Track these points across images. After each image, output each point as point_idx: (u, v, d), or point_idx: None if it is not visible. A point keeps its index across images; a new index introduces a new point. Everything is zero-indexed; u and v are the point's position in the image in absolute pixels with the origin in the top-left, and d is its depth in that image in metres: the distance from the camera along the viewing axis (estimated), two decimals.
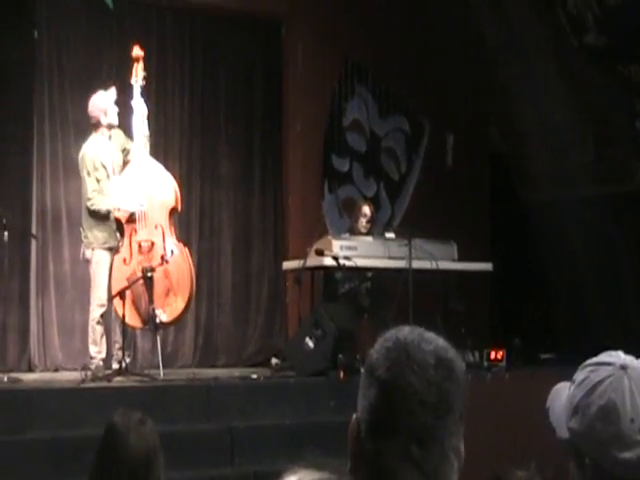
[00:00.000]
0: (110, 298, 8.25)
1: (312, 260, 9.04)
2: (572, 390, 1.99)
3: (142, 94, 8.69)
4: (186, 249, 8.79)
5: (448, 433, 1.56)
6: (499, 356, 9.12)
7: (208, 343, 10.62)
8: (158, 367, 8.33)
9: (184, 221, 10.34)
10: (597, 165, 11.14)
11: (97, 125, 8.48)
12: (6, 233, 8.17)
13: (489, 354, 9.13)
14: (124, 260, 8.40)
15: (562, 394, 2.03)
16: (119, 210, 8.39)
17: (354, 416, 1.61)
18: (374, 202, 10.86)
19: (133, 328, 8.62)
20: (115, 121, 8.52)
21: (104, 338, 8.37)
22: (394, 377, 1.56)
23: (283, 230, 11.23)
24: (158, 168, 8.78)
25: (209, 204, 10.86)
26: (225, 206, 10.95)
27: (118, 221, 8.46)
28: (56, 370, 9.61)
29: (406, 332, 1.61)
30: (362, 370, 1.65)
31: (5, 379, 7.91)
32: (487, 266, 9.94)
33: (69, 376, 8.79)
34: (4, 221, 8.23)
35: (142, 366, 9.28)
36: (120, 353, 8.22)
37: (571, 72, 11.11)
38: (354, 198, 11.20)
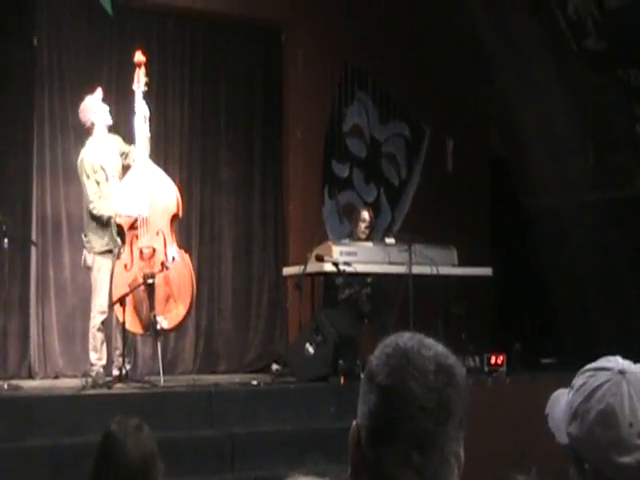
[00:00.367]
0: (111, 305, 8.25)
1: (312, 266, 9.04)
2: (571, 395, 1.99)
3: (143, 99, 8.70)
4: (187, 255, 8.79)
5: (448, 439, 1.56)
6: (499, 361, 9.12)
7: (208, 349, 10.61)
8: (159, 373, 8.33)
9: (184, 227, 10.34)
10: (597, 170, 11.14)
11: (92, 127, 8.49)
12: (6, 240, 8.17)
13: (489, 359, 9.12)
14: (125, 266, 8.40)
15: (561, 400, 2.03)
16: (121, 216, 8.39)
17: (354, 422, 1.61)
18: (374, 207, 10.86)
19: (134, 334, 8.62)
20: (109, 119, 8.53)
21: (104, 345, 8.37)
22: (394, 383, 1.56)
23: (283, 236, 11.23)
24: (160, 174, 8.79)
25: (209, 210, 10.87)
26: (225, 212, 10.96)
27: (119, 227, 8.46)
28: (56, 377, 9.61)
29: (406, 338, 1.61)
30: (362, 376, 1.65)
31: (5, 386, 7.89)
32: (487, 271, 9.93)
33: (69, 383, 8.78)
34: (4, 228, 8.22)
35: (142, 373, 9.28)
36: (120, 360, 8.21)
37: (571, 77, 11.12)
38: (354, 204, 11.21)
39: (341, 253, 9.09)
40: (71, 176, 9.50)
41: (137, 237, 8.46)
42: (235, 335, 10.80)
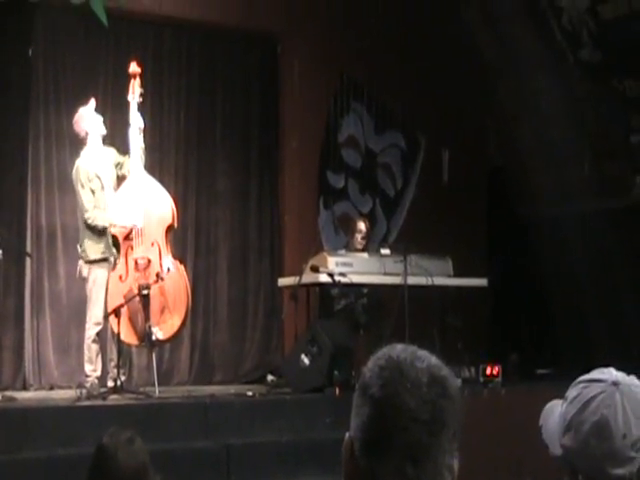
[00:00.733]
0: (106, 316, 8.24)
1: (308, 276, 9.04)
2: (565, 407, 1.99)
3: (138, 110, 8.71)
4: (182, 266, 8.78)
5: (442, 451, 1.56)
6: (495, 372, 9.11)
7: (204, 360, 10.60)
8: (154, 385, 8.31)
9: (180, 238, 10.33)
10: (594, 179, 11.17)
11: (86, 137, 8.50)
12: (0, 251, 8.16)
13: (485, 369, 9.11)
14: (120, 277, 8.39)
15: (555, 411, 2.03)
16: (115, 226, 8.39)
17: (347, 434, 1.61)
18: (370, 218, 10.86)
19: (129, 345, 8.60)
20: (103, 129, 8.54)
21: (99, 356, 8.35)
22: (387, 396, 1.55)
23: (279, 246, 11.23)
24: (155, 184, 8.79)
25: (205, 221, 10.86)
26: (221, 222, 10.95)
27: (114, 238, 8.45)
28: (51, 388, 9.57)
29: (399, 350, 1.61)
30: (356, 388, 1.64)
31: (0, 397, 7.88)
32: (482, 282, 9.93)
33: (64, 394, 8.75)
34: None
35: (138, 384, 9.26)
36: (115, 371, 8.20)
37: (567, 87, 11.15)
38: (350, 214, 11.21)
39: (336, 264, 9.09)
40: (66, 188, 9.50)
41: (132, 248, 8.45)
42: (231, 346, 10.78)
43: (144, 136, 8.80)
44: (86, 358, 8.34)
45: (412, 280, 9.02)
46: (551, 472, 2.16)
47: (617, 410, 1.91)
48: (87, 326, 8.38)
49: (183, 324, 8.68)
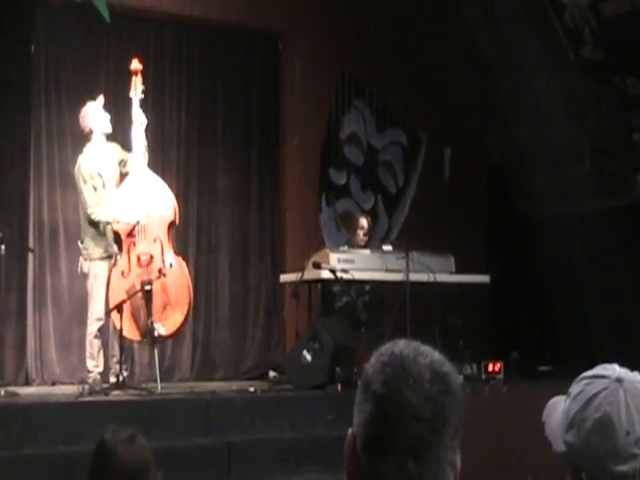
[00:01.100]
0: (108, 312, 8.24)
1: (309, 273, 9.04)
2: (568, 404, 1.99)
3: (140, 106, 8.70)
4: (184, 262, 8.79)
5: (444, 447, 1.56)
6: (497, 368, 9.11)
7: (206, 357, 10.60)
8: (156, 381, 8.32)
9: (182, 235, 10.33)
10: (594, 178, 11.16)
11: (90, 134, 8.50)
12: (3, 247, 8.17)
13: (487, 366, 9.12)
14: (122, 273, 8.39)
15: (558, 408, 2.03)
16: (118, 222, 8.39)
17: (349, 431, 1.61)
18: (371, 215, 10.85)
19: (131, 341, 8.61)
20: (108, 128, 8.53)
21: (102, 352, 8.36)
22: (390, 392, 1.55)
23: (281, 244, 11.23)
24: (157, 181, 8.80)
25: (206, 218, 10.86)
26: (222, 220, 10.95)
27: (116, 234, 8.46)
28: (53, 384, 9.59)
29: (402, 346, 1.61)
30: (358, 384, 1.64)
31: (2, 393, 7.89)
32: (484, 278, 9.93)
33: (66, 390, 8.76)
34: (1, 235, 8.22)
35: (140, 380, 9.27)
36: (118, 367, 8.21)
37: (568, 85, 11.14)
38: (352, 211, 11.20)
39: (338, 260, 9.09)
40: (68, 184, 9.50)
41: (134, 244, 8.45)
42: (232, 343, 10.78)
43: (146, 134, 8.80)
44: (88, 354, 8.35)
45: (414, 277, 9.02)
46: (553, 469, 2.16)
47: (620, 407, 1.91)
48: (89, 322, 8.39)
49: (185, 320, 8.69)
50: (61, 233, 9.85)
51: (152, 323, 8.27)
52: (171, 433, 7.21)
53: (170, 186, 9.17)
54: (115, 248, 8.45)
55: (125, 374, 8.23)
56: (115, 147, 8.64)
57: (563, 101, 11.19)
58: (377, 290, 9.68)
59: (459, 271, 9.76)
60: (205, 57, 10.94)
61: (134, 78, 8.75)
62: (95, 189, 8.36)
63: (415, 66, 11.49)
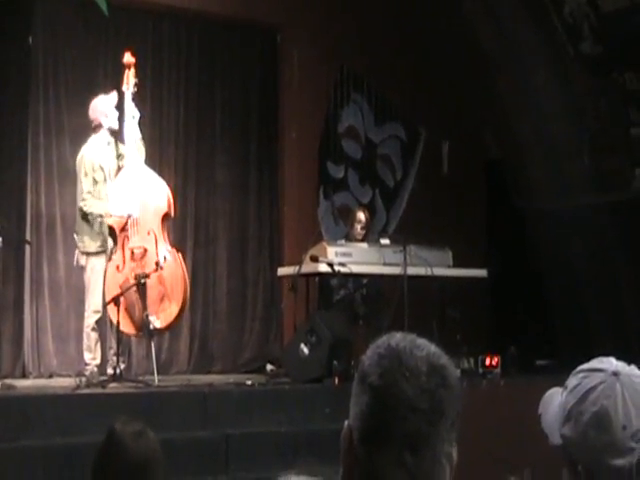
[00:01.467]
0: (104, 305, 8.24)
1: (307, 266, 9.03)
2: (564, 397, 1.99)
3: (133, 100, 8.68)
4: (179, 255, 8.77)
5: (440, 439, 1.56)
6: (494, 363, 9.11)
7: (203, 350, 10.61)
8: (153, 373, 8.31)
9: (179, 229, 10.34)
10: (593, 173, 11.15)
11: (97, 128, 8.49)
12: (0, 239, 8.16)
13: (484, 360, 9.12)
14: (117, 267, 8.38)
15: (554, 400, 2.03)
16: (111, 216, 8.37)
17: (346, 423, 1.61)
18: (369, 209, 10.85)
19: (127, 335, 8.61)
20: (115, 125, 8.53)
21: (99, 344, 8.36)
22: (386, 384, 1.55)
23: (279, 237, 11.23)
24: (151, 174, 8.77)
25: (205, 212, 10.86)
26: (220, 214, 10.95)
27: (111, 229, 8.44)
28: (50, 376, 9.59)
29: (398, 339, 1.61)
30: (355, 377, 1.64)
31: None
32: (482, 273, 9.93)
33: (63, 382, 8.77)
34: None
35: (137, 373, 9.27)
36: (115, 359, 8.21)
37: (567, 80, 11.13)
38: (349, 205, 11.20)
39: (336, 254, 9.08)
40: (66, 176, 9.51)
41: (128, 238, 8.43)
42: (230, 336, 10.79)
43: (143, 127, 8.79)
44: (85, 346, 8.35)
45: (411, 270, 9.02)
46: (550, 463, 2.16)
47: (617, 401, 1.91)
48: (86, 314, 8.40)
49: (181, 312, 8.67)
50: (58, 225, 9.84)
51: (147, 316, 8.27)
52: (168, 426, 7.20)
53: (168, 180, 9.16)
54: (110, 244, 8.45)
55: (122, 367, 8.24)
56: (114, 141, 8.63)
57: (562, 96, 11.18)
58: (375, 284, 9.68)
59: (457, 265, 9.76)
60: (203, 50, 10.93)
61: (127, 71, 8.73)
62: (96, 182, 8.35)
63: (414, 60, 11.49)
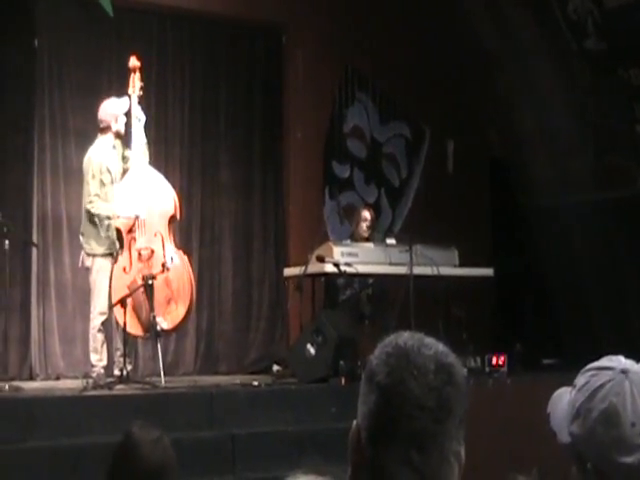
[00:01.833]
0: (111, 306, 8.24)
1: (313, 267, 9.03)
2: (573, 395, 1.98)
3: (139, 104, 8.70)
4: (185, 257, 8.78)
5: (448, 438, 1.56)
6: (500, 361, 9.11)
7: (209, 350, 10.61)
8: (159, 375, 8.32)
9: (185, 229, 10.34)
10: (597, 170, 11.14)
11: (105, 130, 8.49)
12: (7, 241, 8.17)
13: (490, 359, 9.11)
14: (124, 269, 8.38)
15: (563, 399, 2.02)
16: (118, 217, 8.37)
17: (354, 422, 1.61)
18: (375, 208, 10.85)
19: (134, 336, 8.61)
20: (122, 130, 8.54)
21: (105, 346, 8.36)
22: (394, 383, 1.55)
23: (284, 237, 11.23)
24: (157, 176, 8.79)
25: (210, 212, 10.86)
26: (226, 214, 10.95)
27: (118, 231, 8.45)
28: (57, 378, 9.60)
29: (406, 338, 1.61)
30: (362, 376, 1.64)
31: (6, 387, 7.89)
32: (488, 272, 9.93)
33: (70, 384, 8.77)
34: (5, 230, 8.22)
35: (143, 374, 9.28)
36: (121, 361, 8.21)
37: (571, 77, 11.12)
38: (355, 204, 11.20)
39: (342, 254, 9.09)
40: (71, 177, 9.53)
41: (135, 239, 8.45)
42: (236, 336, 10.79)
43: (148, 128, 8.79)
44: (91, 348, 8.36)
45: (418, 270, 9.01)
46: (557, 461, 2.15)
47: (626, 398, 1.91)
48: (92, 316, 8.40)
49: (188, 313, 8.69)
50: (64, 227, 9.85)
51: (154, 317, 8.27)
52: (175, 427, 7.19)
53: (173, 180, 9.17)
54: (117, 245, 8.45)
55: (129, 368, 8.24)
56: (118, 143, 8.63)
57: (566, 93, 11.17)
58: (380, 283, 9.68)
59: (462, 264, 9.76)
60: (208, 51, 10.94)
61: (132, 75, 8.75)
62: (103, 184, 8.36)
63: (418, 59, 11.48)
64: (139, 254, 8.41)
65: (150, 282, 8.23)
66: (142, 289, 8.24)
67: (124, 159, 8.62)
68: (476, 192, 12.10)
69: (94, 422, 7.01)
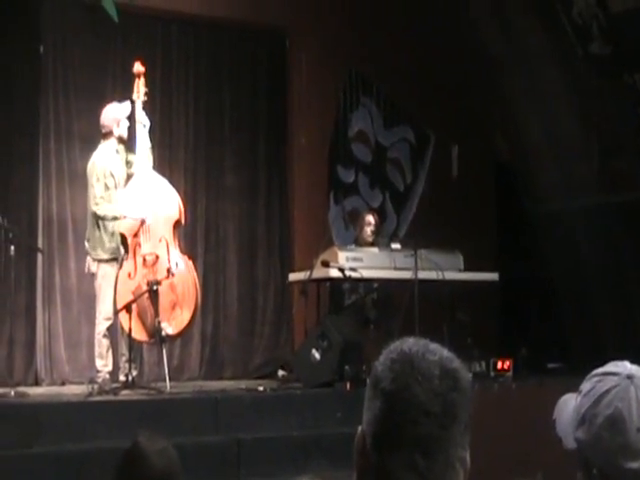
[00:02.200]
0: (116, 312, 8.25)
1: (318, 271, 9.03)
2: (579, 400, 1.98)
3: (144, 109, 8.72)
4: (190, 261, 8.78)
5: (453, 443, 1.56)
6: (506, 366, 9.10)
7: (214, 355, 10.61)
8: (165, 380, 8.32)
9: (189, 234, 10.35)
10: (603, 175, 11.13)
11: (108, 135, 8.50)
12: (12, 247, 8.18)
13: (496, 364, 9.11)
14: (129, 274, 8.39)
15: (569, 404, 2.02)
16: (125, 217, 8.37)
17: (359, 428, 1.61)
18: (379, 213, 10.85)
19: (139, 342, 8.61)
20: (125, 134, 8.55)
21: (110, 351, 8.37)
22: (399, 388, 1.55)
23: (289, 242, 11.23)
24: (162, 182, 8.80)
25: (214, 216, 10.87)
26: (230, 218, 10.96)
27: (122, 237, 8.46)
28: (63, 384, 9.60)
29: (411, 343, 1.61)
30: (367, 382, 1.64)
31: (12, 393, 7.89)
32: (493, 276, 9.92)
33: (76, 390, 8.77)
34: (10, 235, 8.23)
35: (149, 379, 9.27)
36: (127, 366, 8.21)
37: (576, 81, 11.11)
38: (360, 209, 11.19)
39: (347, 259, 9.08)
40: (76, 182, 9.54)
41: (140, 245, 8.45)
42: (241, 341, 10.79)
43: (152, 132, 8.80)
44: (97, 353, 8.36)
45: (422, 275, 9.00)
46: (562, 467, 2.15)
47: (631, 404, 1.91)
48: (97, 321, 8.41)
49: (193, 319, 8.69)
50: (70, 232, 9.86)
51: (159, 323, 8.28)
52: (180, 432, 7.21)
53: (178, 185, 9.18)
54: (122, 251, 8.46)
55: (134, 373, 8.23)
56: (121, 148, 8.65)
57: (571, 97, 11.16)
58: (385, 288, 9.68)
59: (467, 269, 9.75)
60: (212, 55, 10.95)
61: (137, 81, 8.76)
62: (108, 188, 8.37)
63: (422, 63, 11.47)
64: (144, 260, 8.41)
65: (155, 288, 8.23)
66: (147, 294, 8.25)
67: (128, 164, 8.63)
68: (481, 196, 12.10)
69: (99, 427, 7.02)
